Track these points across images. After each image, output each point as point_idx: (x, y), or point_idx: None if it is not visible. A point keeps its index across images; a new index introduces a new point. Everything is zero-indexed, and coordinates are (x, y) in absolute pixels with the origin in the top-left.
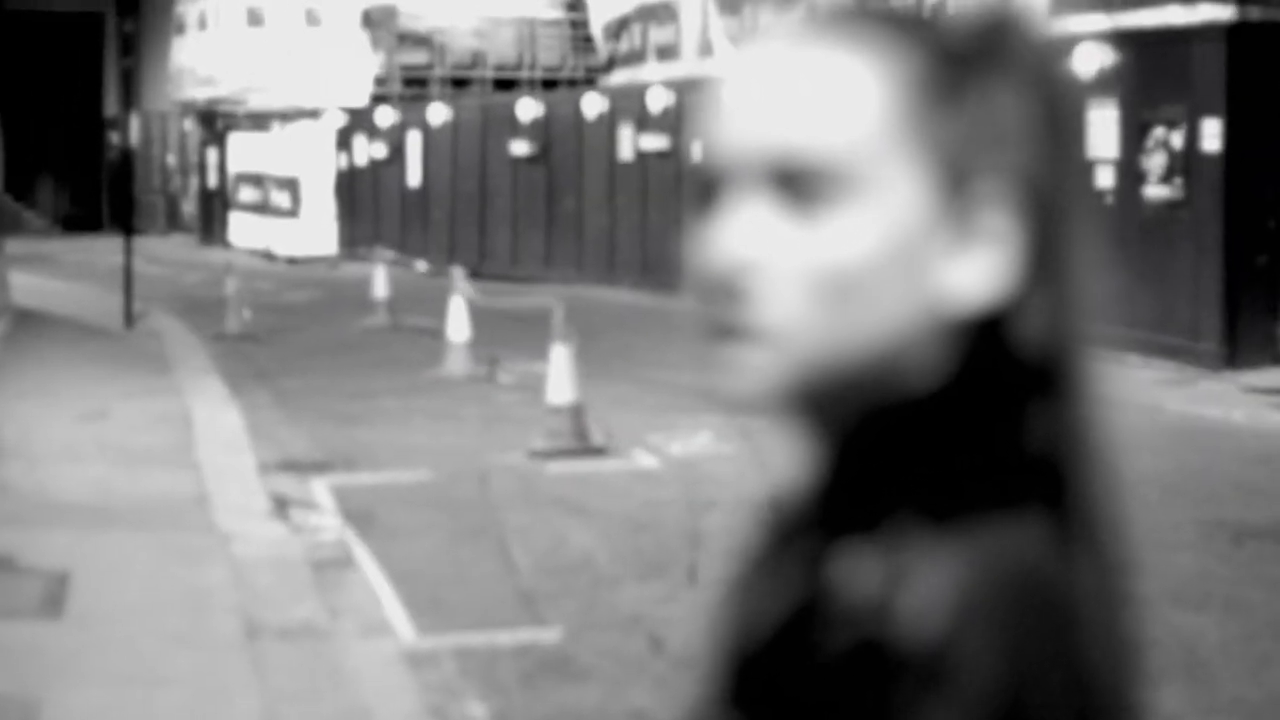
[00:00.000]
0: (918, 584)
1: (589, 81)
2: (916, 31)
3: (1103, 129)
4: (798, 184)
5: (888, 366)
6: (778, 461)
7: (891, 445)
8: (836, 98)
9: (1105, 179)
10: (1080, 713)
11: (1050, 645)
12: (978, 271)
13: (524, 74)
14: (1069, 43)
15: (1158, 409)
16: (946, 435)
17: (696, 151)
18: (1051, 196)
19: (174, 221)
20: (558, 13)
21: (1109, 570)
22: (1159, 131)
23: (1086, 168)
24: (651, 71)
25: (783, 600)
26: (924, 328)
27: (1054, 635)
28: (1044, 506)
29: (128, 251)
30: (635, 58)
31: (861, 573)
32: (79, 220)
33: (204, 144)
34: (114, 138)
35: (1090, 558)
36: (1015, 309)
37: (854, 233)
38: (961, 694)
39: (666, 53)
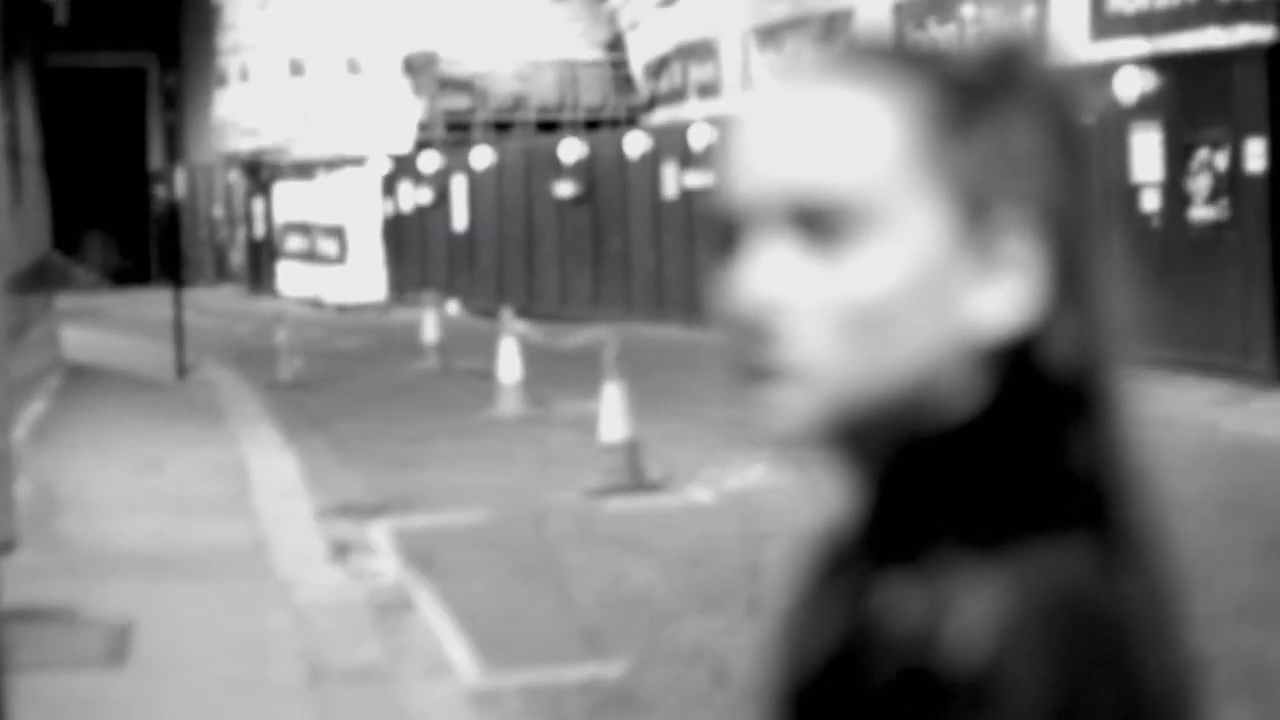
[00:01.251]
0: (963, 611)
1: (631, 121)
2: (928, 64)
3: (1146, 152)
4: (818, 222)
5: (921, 398)
6: (830, 494)
7: (930, 475)
8: (851, 134)
9: (1151, 202)
10: None
11: (1100, 669)
12: (1003, 298)
13: (566, 115)
14: (1108, 68)
15: (1212, 428)
16: (984, 462)
17: (717, 193)
18: (1071, 220)
19: (222, 272)
20: (598, 54)
21: (1158, 592)
22: (1203, 153)
23: (1098, 191)
24: (693, 109)
25: (831, 632)
26: (954, 357)
27: (1103, 658)
28: (1087, 529)
29: (177, 303)
30: (677, 96)
31: (906, 602)
32: (128, 274)
33: (250, 194)
34: (160, 191)
35: (1138, 579)
36: (1044, 333)
37: (877, 267)
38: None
39: (708, 90)
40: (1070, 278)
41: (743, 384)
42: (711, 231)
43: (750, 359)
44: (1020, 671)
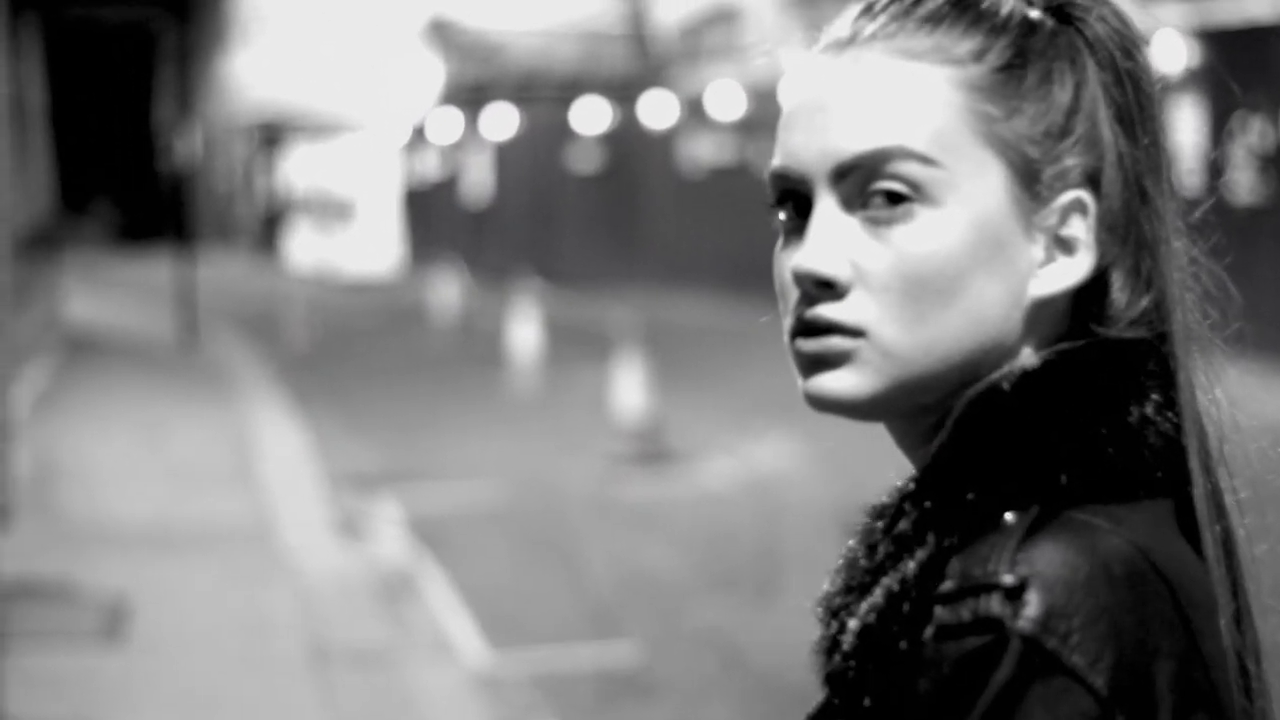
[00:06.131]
0: (1027, 569)
1: (655, 90)
2: (985, 24)
3: (1184, 126)
4: (876, 187)
5: (984, 360)
6: (856, 468)
7: (992, 436)
8: (907, 98)
9: (1188, 175)
10: (1193, 703)
11: (1160, 638)
12: (1064, 260)
13: (588, 83)
14: (1149, 36)
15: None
16: (1048, 424)
17: (771, 160)
18: (1135, 174)
19: (233, 237)
20: (622, 20)
21: (1224, 565)
22: (1243, 126)
23: (1170, 151)
24: (719, 77)
25: (876, 599)
26: (1016, 319)
27: (1165, 628)
28: (1155, 491)
29: (186, 268)
30: (702, 64)
31: (962, 561)
32: (135, 236)
33: (264, 158)
34: (170, 152)
35: (1205, 544)
36: (1107, 296)
37: (936, 232)
38: (1069, 677)
39: (734, 57)
40: (1134, 236)
41: (802, 351)
42: (770, 197)
43: (811, 325)
44: (1079, 633)
